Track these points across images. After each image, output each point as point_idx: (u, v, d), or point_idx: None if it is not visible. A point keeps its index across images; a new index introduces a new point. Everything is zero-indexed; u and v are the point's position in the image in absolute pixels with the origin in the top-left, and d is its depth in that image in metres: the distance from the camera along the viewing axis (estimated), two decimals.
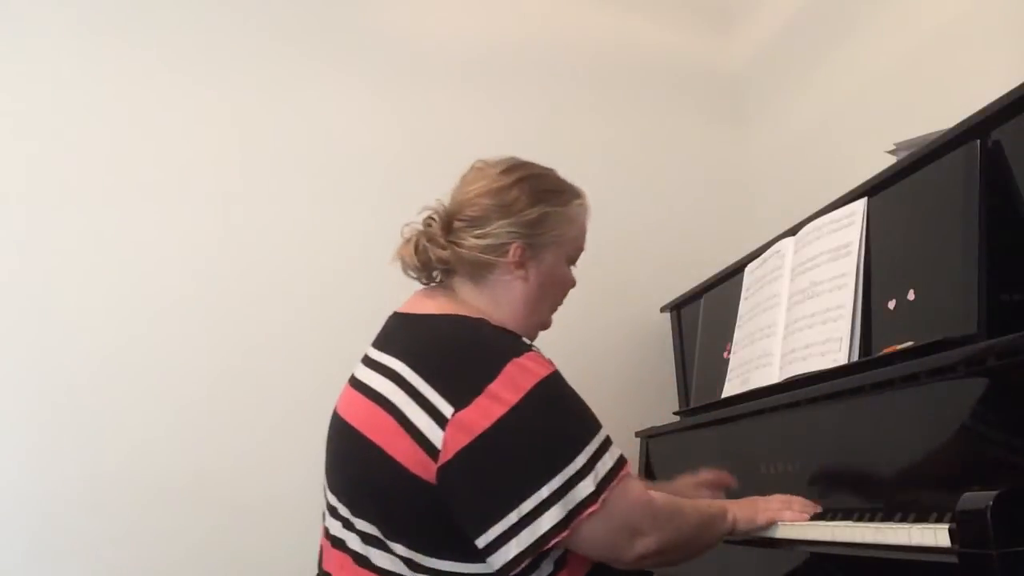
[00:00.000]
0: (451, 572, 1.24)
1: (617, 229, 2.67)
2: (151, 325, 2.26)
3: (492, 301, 1.40)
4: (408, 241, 1.43)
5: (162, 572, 2.16)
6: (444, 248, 1.39)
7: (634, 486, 1.29)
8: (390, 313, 1.46)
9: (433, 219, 1.43)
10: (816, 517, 1.40)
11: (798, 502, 1.42)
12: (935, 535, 1.04)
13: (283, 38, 2.49)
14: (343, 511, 1.32)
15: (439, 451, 1.20)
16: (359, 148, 2.50)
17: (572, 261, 1.52)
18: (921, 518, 1.16)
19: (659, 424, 2.24)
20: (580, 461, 1.21)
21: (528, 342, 1.36)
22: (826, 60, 2.45)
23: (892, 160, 1.71)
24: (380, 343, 1.38)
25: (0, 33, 2.28)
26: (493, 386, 1.21)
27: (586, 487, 1.21)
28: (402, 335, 1.36)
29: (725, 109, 2.86)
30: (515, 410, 1.20)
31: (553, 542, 1.19)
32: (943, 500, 1.14)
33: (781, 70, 2.66)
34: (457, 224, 1.40)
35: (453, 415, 1.20)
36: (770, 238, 1.91)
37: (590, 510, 1.20)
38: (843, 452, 1.44)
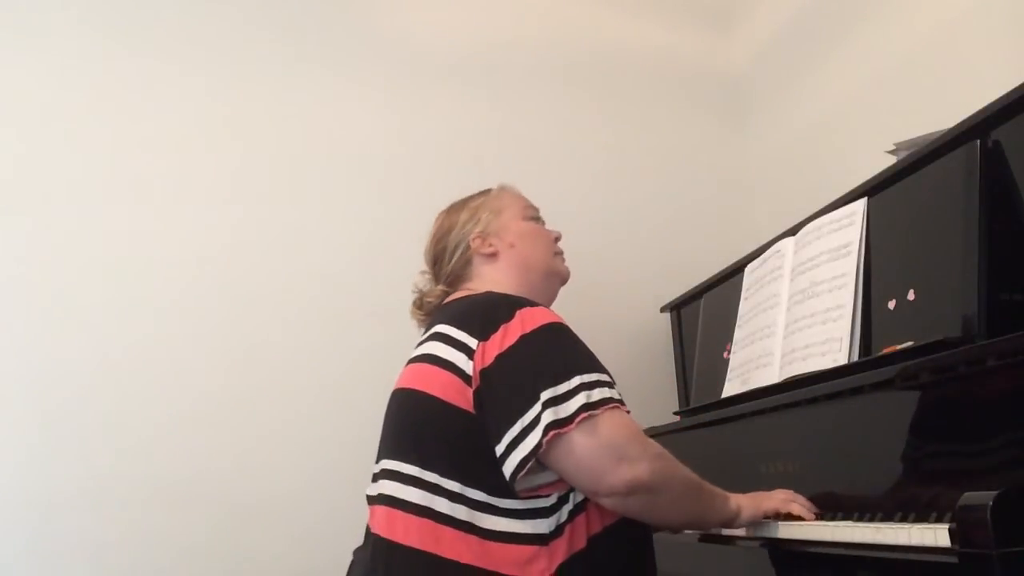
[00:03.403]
0: (474, 500, 1.36)
1: (617, 229, 2.68)
2: (150, 325, 2.26)
3: (492, 284, 1.61)
4: (415, 303, 1.70)
5: (161, 571, 2.16)
6: (436, 285, 1.68)
7: (628, 418, 1.39)
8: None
9: (427, 275, 1.73)
10: (816, 517, 1.40)
11: (801, 499, 1.43)
12: (935, 535, 1.04)
13: (282, 38, 2.49)
14: (388, 463, 1.46)
15: (471, 377, 1.39)
16: (358, 147, 2.49)
17: (533, 218, 1.75)
18: (921, 518, 1.16)
19: (659, 424, 2.24)
20: (574, 382, 1.35)
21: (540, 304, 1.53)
22: (826, 60, 2.45)
23: (892, 160, 1.71)
24: (425, 327, 1.60)
25: (4, 36, 2.28)
26: (508, 324, 1.41)
27: (578, 401, 1.34)
28: (440, 313, 1.57)
29: (725, 109, 2.85)
30: (522, 339, 1.39)
31: (544, 443, 1.31)
32: (943, 500, 1.14)
33: (781, 70, 2.66)
34: (435, 270, 1.72)
35: (477, 345, 1.40)
36: (770, 238, 1.91)
37: (579, 418, 1.32)
38: (843, 452, 1.44)
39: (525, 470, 1.32)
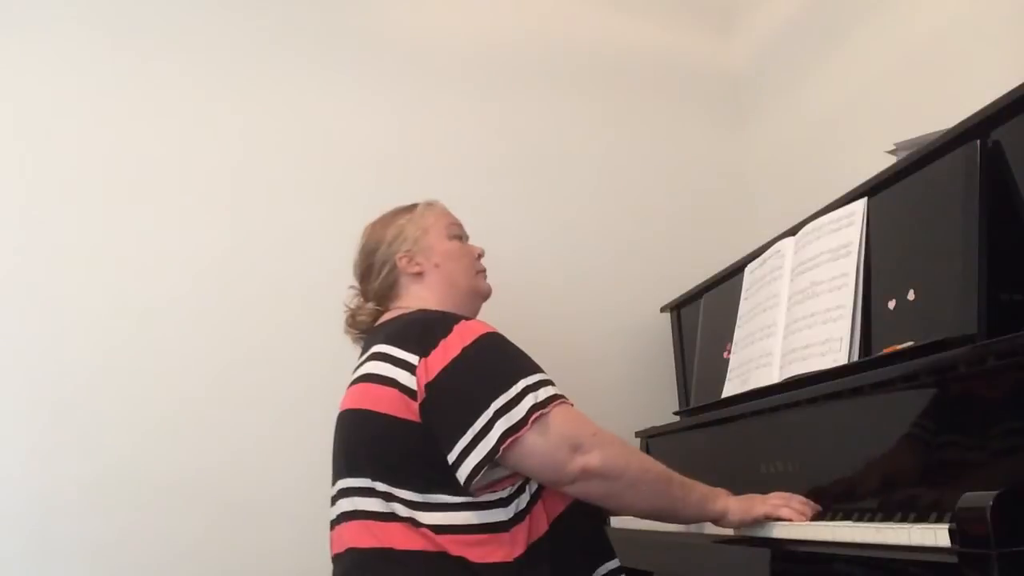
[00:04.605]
0: (432, 503, 1.41)
1: (617, 229, 2.68)
2: (149, 324, 2.26)
3: (419, 301, 1.67)
4: (346, 320, 1.74)
5: (160, 570, 2.15)
6: (365, 303, 1.72)
7: (573, 410, 1.45)
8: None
9: (355, 289, 1.77)
10: (816, 517, 1.41)
11: (797, 500, 1.44)
12: (935, 535, 1.04)
13: (282, 39, 2.49)
14: (341, 483, 1.51)
15: (415, 391, 1.43)
16: (358, 148, 2.49)
17: (457, 236, 1.78)
18: (921, 518, 1.16)
19: (659, 424, 2.24)
20: (519, 387, 1.41)
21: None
22: (826, 60, 2.45)
23: (892, 160, 1.71)
24: (362, 352, 1.63)
25: (3, 35, 2.28)
26: (447, 339, 1.46)
27: (525, 405, 1.40)
28: (375, 335, 1.62)
29: (725, 109, 2.85)
30: (464, 352, 1.44)
31: (501, 449, 1.38)
32: (943, 500, 1.15)
33: (781, 70, 2.66)
34: (363, 286, 1.76)
35: (419, 361, 1.45)
36: (770, 238, 1.91)
37: (532, 418, 1.39)
38: (843, 452, 1.44)
39: (480, 474, 1.38)
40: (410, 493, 1.41)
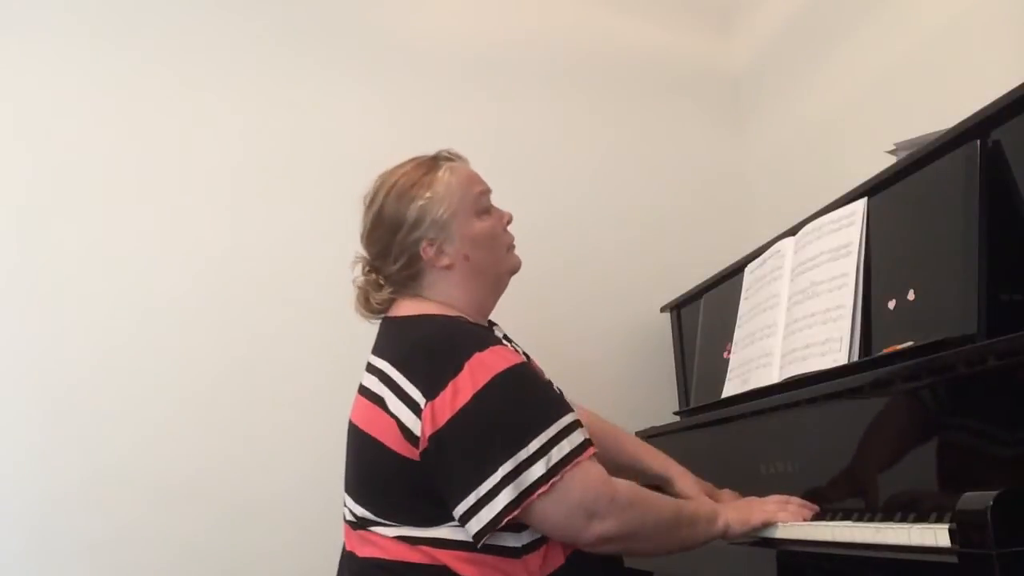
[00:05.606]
0: (436, 539, 1.35)
1: (617, 229, 2.68)
2: (150, 323, 2.26)
3: (445, 295, 1.53)
4: (359, 299, 1.59)
5: (160, 569, 2.16)
6: (381, 288, 1.55)
7: (593, 471, 1.36)
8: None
9: (365, 268, 1.60)
10: (816, 517, 1.41)
11: (795, 502, 1.44)
12: (935, 535, 1.04)
13: (282, 39, 2.48)
14: (349, 502, 1.48)
15: (418, 438, 1.35)
16: (358, 147, 2.49)
17: (485, 208, 1.59)
18: (921, 518, 1.16)
19: (659, 424, 2.24)
20: (533, 446, 1.32)
21: (495, 336, 1.50)
22: (826, 60, 2.45)
23: (892, 160, 1.71)
24: (375, 348, 1.53)
25: (3, 35, 2.28)
26: (457, 379, 1.34)
27: (537, 470, 1.31)
28: (388, 338, 1.52)
29: (725, 109, 2.85)
30: (474, 400, 1.33)
31: (507, 519, 1.31)
32: (943, 500, 1.14)
33: (781, 70, 2.66)
34: (376, 263, 1.57)
35: (426, 404, 1.34)
36: (770, 238, 1.91)
37: (540, 491, 1.31)
38: (843, 452, 1.44)
39: (488, 535, 1.32)
40: (439, 530, 1.36)
